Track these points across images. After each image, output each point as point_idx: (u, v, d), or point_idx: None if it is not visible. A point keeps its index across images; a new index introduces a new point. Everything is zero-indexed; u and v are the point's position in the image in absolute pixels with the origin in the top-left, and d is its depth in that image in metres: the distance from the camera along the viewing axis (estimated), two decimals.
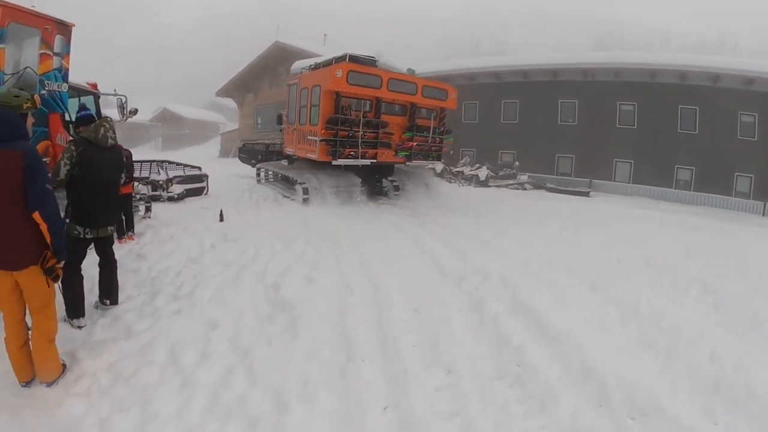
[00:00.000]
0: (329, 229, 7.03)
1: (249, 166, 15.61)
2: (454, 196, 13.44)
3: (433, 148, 11.55)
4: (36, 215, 2.61)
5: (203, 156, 26.75)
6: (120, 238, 6.25)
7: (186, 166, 10.76)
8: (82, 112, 4.02)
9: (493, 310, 3.79)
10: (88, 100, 6.98)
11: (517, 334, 3.36)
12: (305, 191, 9.78)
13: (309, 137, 10.48)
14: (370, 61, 10.69)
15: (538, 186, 18.31)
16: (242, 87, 33.42)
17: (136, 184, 7.77)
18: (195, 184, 10.27)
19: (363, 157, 10.09)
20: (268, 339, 3.36)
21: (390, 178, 11.64)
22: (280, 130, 13.83)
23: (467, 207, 10.70)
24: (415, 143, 11.02)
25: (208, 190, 10.61)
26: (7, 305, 2.71)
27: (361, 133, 9.87)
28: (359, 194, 10.34)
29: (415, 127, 11.09)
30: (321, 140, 9.69)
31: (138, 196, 7.74)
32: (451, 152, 22.21)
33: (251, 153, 16.18)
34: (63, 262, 2.82)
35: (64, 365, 2.96)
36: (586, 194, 17.24)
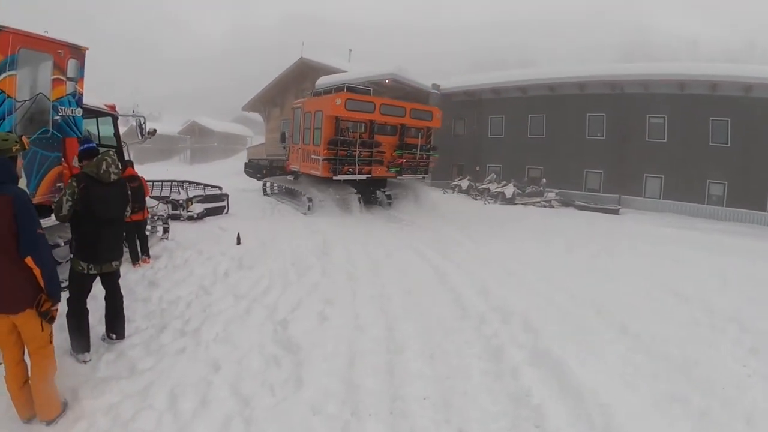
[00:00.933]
0: (347, 258, 6.86)
1: (255, 180, 17.48)
2: (464, 213, 13.30)
3: (420, 164, 13.18)
4: (29, 260, 2.58)
5: (231, 169, 27.18)
6: (135, 262, 6.25)
7: (206, 185, 10.85)
8: (85, 146, 3.97)
9: (513, 359, 3.52)
10: (106, 122, 7.05)
11: (536, 389, 3.08)
12: (309, 200, 11.47)
13: (312, 156, 11.98)
14: (365, 91, 12.65)
15: (566, 203, 17.80)
16: (268, 101, 33.96)
17: (155, 205, 7.81)
18: (215, 204, 10.33)
19: (359, 173, 11.68)
20: (271, 387, 3.20)
21: (383, 190, 13.19)
22: (284, 147, 15.69)
23: (494, 229, 10.44)
24: (405, 160, 12.65)
25: (228, 209, 10.65)
26: (6, 347, 2.71)
27: (358, 153, 11.50)
28: (357, 204, 11.79)
29: (405, 145, 12.76)
30: (323, 159, 11.24)
31: (156, 217, 7.77)
32: (477, 168, 22.07)
33: (256, 168, 18.17)
34: (58, 304, 2.79)
35: (64, 403, 2.92)
36: (615, 211, 16.64)
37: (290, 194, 13.51)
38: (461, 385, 3.19)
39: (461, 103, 23.66)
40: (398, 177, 12.91)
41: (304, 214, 11.48)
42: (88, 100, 6.09)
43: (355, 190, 12.02)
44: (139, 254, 6.40)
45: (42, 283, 2.64)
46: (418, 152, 12.97)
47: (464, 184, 20.10)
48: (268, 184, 15.31)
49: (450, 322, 4.40)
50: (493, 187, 18.54)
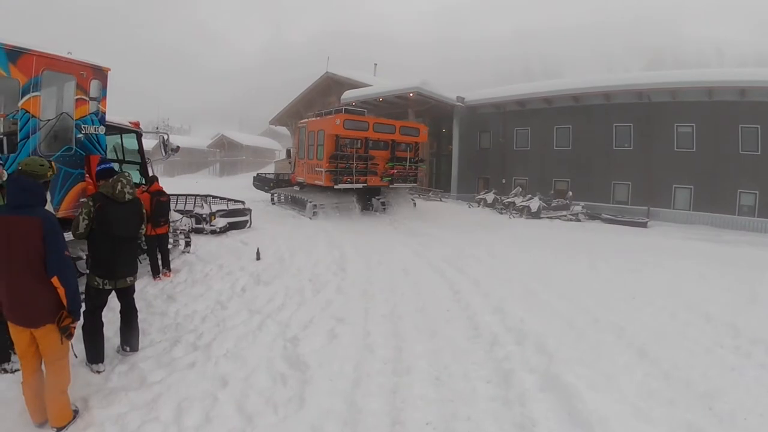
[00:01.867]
0: (364, 275, 6.85)
1: (262, 192, 19.77)
2: (487, 228, 13.08)
3: (410, 174, 15.41)
4: (54, 280, 2.75)
5: None
6: (156, 276, 6.40)
7: (229, 200, 11.06)
8: (102, 166, 4.11)
9: (522, 384, 3.41)
10: (130, 138, 7.30)
11: (543, 418, 2.96)
12: (314, 206, 13.37)
13: (316, 169, 14.12)
14: (360, 112, 14.91)
15: (592, 216, 17.38)
16: (295, 115, 34.51)
17: (179, 218, 8.01)
18: (238, 218, 10.51)
19: (357, 183, 13.80)
20: (275, 405, 3.20)
21: (377, 197, 15.33)
22: (289, 162, 17.84)
23: (516, 245, 10.27)
24: (396, 171, 14.81)
25: (251, 224, 10.82)
26: (25, 357, 2.86)
27: (355, 165, 13.60)
28: (356, 209, 14.02)
29: (396, 158, 14.90)
30: (326, 171, 13.39)
31: (178, 231, 7.95)
32: (503, 181, 21.86)
33: (264, 181, 20.81)
34: (77, 322, 2.95)
35: (75, 411, 3.04)
36: (643, 224, 16.13)
37: (295, 202, 15.36)
38: (465, 411, 3.10)
39: (486, 116, 23.59)
40: (390, 186, 15.04)
41: (310, 218, 13.17)
42: (114, 116, 6.33)
43: (355, 198, 14.25)
44: (160, 268, 6.56)
45: (65, 302, 2.80)
46: (408, 164, 15.18)
47: (489, 197, 19.89)
48: (275, 196, 17.40)
49: (461, 343, 4.31)
50: (519, 201, 18.24)
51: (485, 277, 6.88)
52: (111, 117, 6.23)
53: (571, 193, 18.51)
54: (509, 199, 18.70)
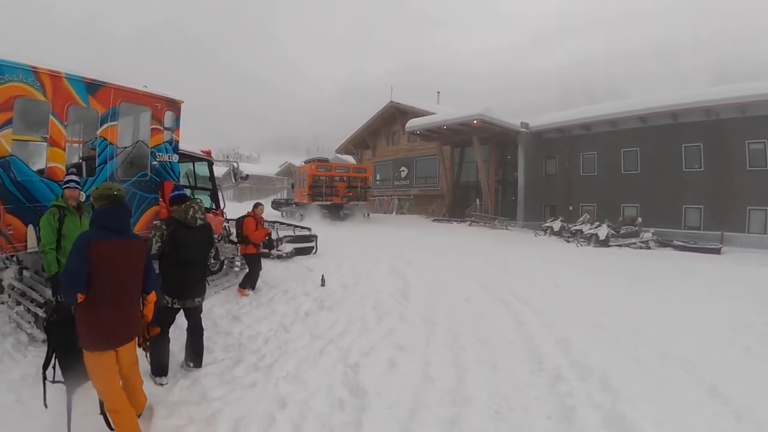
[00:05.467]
0: (426, 304, 6.79)
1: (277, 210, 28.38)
2: (553, 258, 12.48)
3: (360, 196, 24.79)
4: (153, 295, 3.09)
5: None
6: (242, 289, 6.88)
7: (296, 226, 11.40)
8: (176, 192, 4.40)
9: (584, 421, 3.19)
10: (201, 165, 7.79)
11: None
12: (301, 215, 23.05)
13: (303, 193, 24.02)
14: (326, 160, 25.68)
15: (663, 243, 16.28)
16: (360, 144, 35.41)
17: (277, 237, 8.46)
18: (304, 244, 10.79)
19: (325, 201, 23.11)
20: (331, 430, 3.17)
21: (342, 211, 23.80)
22: (293, 190, 29.31)
23: (584, 276, 9.79)
24: (351, 194, 24.18)
25: (316, 250, 11.05)
26: (116, 377, 2.92)
27: (324, 191, 23.04)
28: (326, 217, 22.55)
29: (350, 187, 24.29)
30: (307, 194, 23.18)
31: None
32: (570, 208, 21.08)
33: (279, 204, 30.15)
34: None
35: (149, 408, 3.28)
36: (717, 251, 14.88)
37: (292, 214, 25.51)
38: None
39: (551, 141, 22.99)
40: (347, 203, 24.09)
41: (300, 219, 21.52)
42: (187, 144, 6.80)
43: (327, 211, 23.11)
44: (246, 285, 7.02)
45: (150, 315, 3.09)
46: (358, 191, 24.63)
47: (556, 225, 19.16)
48: (283, 210, 28.02)
49: (522, 376, 4.11)
50: (586, 229, 17.42)
51: (550, 309, 6.55)
52: (184, 145, 6.69)
53: (640, 219, 17.49)
54: (576, 227, 17.91)
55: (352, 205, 24.39)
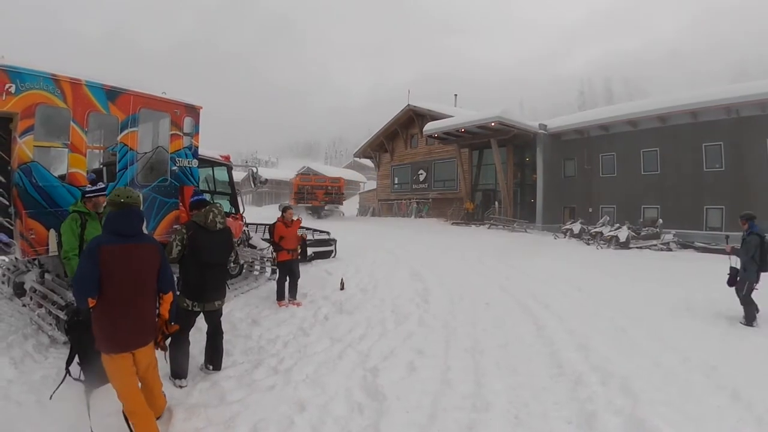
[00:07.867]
0: (446, 308, 6.76)
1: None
2: (573, 261, 12.28)
3: (336, 201, 32.86)
4: (170, 295, 3.10)
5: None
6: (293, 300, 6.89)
7: (315, 230, 11.47)
8: (196, 197, 4.47)
9: (605, 426, 3.15)
10: (221, 170, 7.90)
11: None
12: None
13: (292, 198, 32.80)
14: (307, 172, 43.93)
15: (684, 245, 15.93)
16: (378, 148, 35.62)
17: (266, 247, 8.41)
18: (323, 248, 10.84)
19: (308, 202, 31.71)
20: None
21: (322, 211, 31.89)
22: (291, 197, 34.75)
23: (605, 279, 9.67)
24: (327, 198, 32.20)
25: (335, 254, 11.09)
26: (135, 381, 2.95)
27: (306, 196, 31.62)
28: (310, 215, 30.85)
29: (327, 193, 32.17)
30: (294, 198, 31.87)
31: (265, 259, 8.34)
32: (590, 210, 20.79)
33: (281, 207, 32.53)
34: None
35: (168, 409, 3.33)
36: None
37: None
38: None
39: (570, 143, 22.73)
40: (325, 205, 32.06)
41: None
42: (206, 150, 6.89)
43: (310, 211, 31.34)
44: (286, 294, 6.92)
45: (167, 314, 3.10)
46: (333, 196, 32.21)
47: (576, 227, 18.85)
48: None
49: (542, 381, 4.06)
50: (606, 231, 17.12)
51: (570, 313, 6.46)
52: (204, 150, 6.79)
53: (661, 220, 17.18)
54: (596, 229, 17.63)
55: (330, 207, 32.74)
